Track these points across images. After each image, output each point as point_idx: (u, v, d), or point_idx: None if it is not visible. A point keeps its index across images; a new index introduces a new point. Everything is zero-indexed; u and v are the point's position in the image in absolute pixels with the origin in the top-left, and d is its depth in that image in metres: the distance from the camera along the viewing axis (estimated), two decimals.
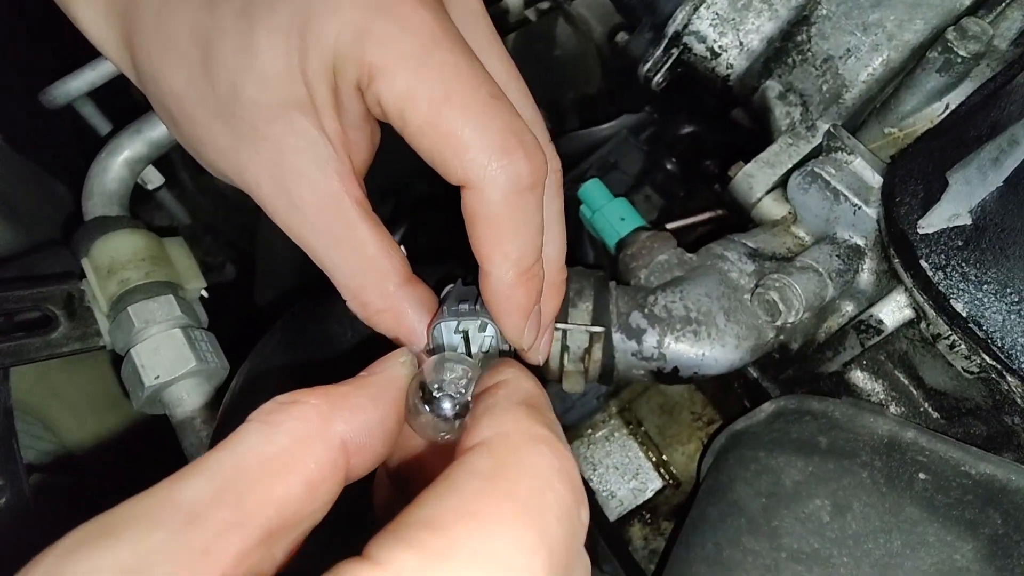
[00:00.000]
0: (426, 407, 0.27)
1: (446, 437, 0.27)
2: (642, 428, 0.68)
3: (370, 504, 0.30)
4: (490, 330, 0.33)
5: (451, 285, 0.37)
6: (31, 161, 0.72)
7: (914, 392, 0.47)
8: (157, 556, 0.17)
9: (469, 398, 0.27)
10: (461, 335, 0.34)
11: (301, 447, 0.21)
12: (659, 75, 0.53)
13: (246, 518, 0.19)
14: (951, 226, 0.39)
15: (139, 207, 0.68)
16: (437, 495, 0.19)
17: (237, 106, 0.30)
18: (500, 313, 0.33)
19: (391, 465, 0.29)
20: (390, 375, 0.27)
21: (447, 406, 0.27)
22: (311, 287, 0.56)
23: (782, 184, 0.54)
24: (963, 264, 0.38)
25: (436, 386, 0.27)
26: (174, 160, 0.81)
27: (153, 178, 0.68)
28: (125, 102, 0.67)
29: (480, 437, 0.21)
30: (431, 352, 0.33)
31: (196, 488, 0.19)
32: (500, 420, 0.22)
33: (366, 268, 0.33)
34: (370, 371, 0.27)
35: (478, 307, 0.33)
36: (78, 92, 0.54)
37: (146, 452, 0.62)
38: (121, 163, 0.55)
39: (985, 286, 0.37)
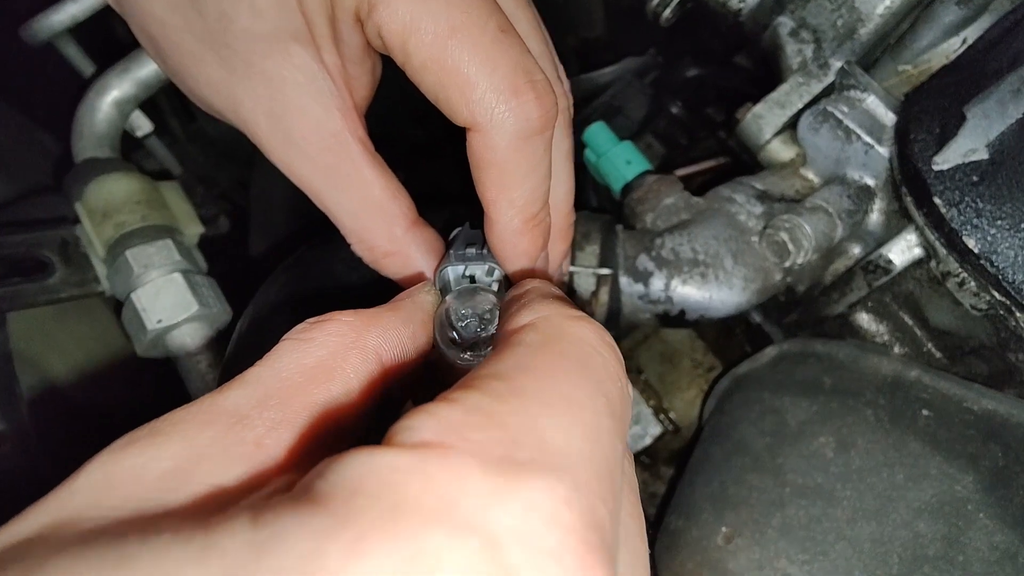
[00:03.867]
0: (454, 333, 0.26)
1: (474, 363, 0.27)
2: (642, 376, 0.69)
3: None
4: (497, 274, 0.33)
5: (458, 229, 0.36)
6: (9, 104, 0.69)
7: (918, 332, 0.48)
8: (210, 449, 0.17)
9: (495, 327, 0.27)
10: (468, 279, 0.33)
11: (338, 358, 0.21)
12: (668, 10, 0.51)
13: (294, 417, 0.19)
14: (966, 162, 0.39)
15: (128, 156, 0.65)
16: (494, 360, 0.19)
17: (228, 36, 0.28)
18: (506, 259, 0.32)
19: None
20: (417, 299, 0.26)
21: (475, 329, 0.27)
22: (307, 237, 0.55)
23: (791, 126, 0.53)
24: (977, 200, 0.38)
25: (463, 312, 0.27)
26: (163, 107, 0.78)
27: (142, 124, 0.65)
28: (108, 42, 0.64)
29: (521, 323, 0.21)
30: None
31: (239, 396, 0.19)
32: (537, 308, 0.22)
33: (372, 210, 0.32)
34: (397, 299, 0.27)
35: (485, 251, 0.33)
36: (61, 26, 0.51)
37: (145, 399, 0.62)
38: (110, 103, 0.52)
39: (999, 222, 0.37)
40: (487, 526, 0.14)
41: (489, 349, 0.27)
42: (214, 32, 0.28)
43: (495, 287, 0.33)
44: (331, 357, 0.21)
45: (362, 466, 0.15)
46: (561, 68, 0.37)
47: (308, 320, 0.22)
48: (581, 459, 0.16)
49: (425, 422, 0.16)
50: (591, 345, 0.20)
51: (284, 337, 0.21)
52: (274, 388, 0.19)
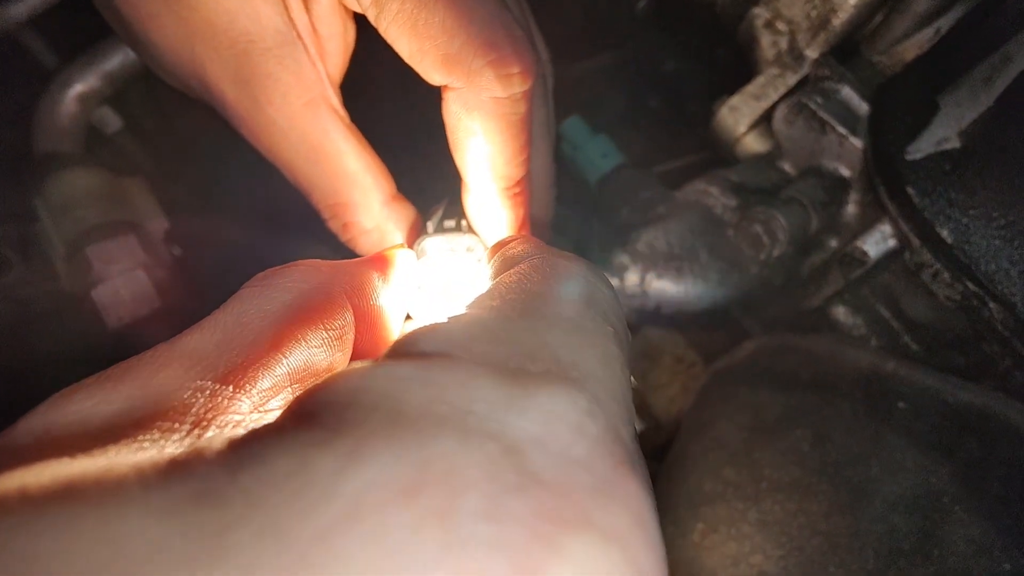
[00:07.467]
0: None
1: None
2: None
3: None
4: (478, 251, 0.32)
5: (438, 204, 0.35)
6: None
7: (895, 325, 0.47)
8: (166, 389, 0.16)
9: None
10: (448, 253, 0.32)
11: (302, 303, 0.19)
12: (643, 1, 0.51)
13: (259, 360, 0.17)
14: (938, 151, 0.38)
15: (97, 153, 0.64)
16: (494, 289, 0.18)
17: None
18: (485, 231, 0.31)
19: None
20: (393, 255, 0.25)
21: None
22: (278, 231, 0.53)
23: (766, 120, 0.53)
24: (950, 189, 0.38)
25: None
26: (134, 102, 0.76)
27: (111, 121, 0.64)
28: (73, 35, 0.63)
29: (515, 264, 0.20)
30: None
31: (197, 340, 0.17)
32: (529, 251, 0.21)
33: (348, 184, 0.30)
34: (372, 255, 0.25)
35: (464, 224, 0.32)
36: (21, 17, 0.50)
37: None
38: (73, 97, 0.51)
39: (971, 211, 0.37)
40: (505, 432, 0.13)
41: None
42: None
43: (475, 262, 0.33)
44: (295, 302, 0.19)
45: (355, 380, 0.13)
46: (540, 37, 0.36)
47: (271, 268, 0.21)
48: (596, 379, 0.15)
49: (424, 335, 0.15)
50: (588, 280, 0.19)
51: (245, 285, 0.20)
52: (235, 332, 0.18)
